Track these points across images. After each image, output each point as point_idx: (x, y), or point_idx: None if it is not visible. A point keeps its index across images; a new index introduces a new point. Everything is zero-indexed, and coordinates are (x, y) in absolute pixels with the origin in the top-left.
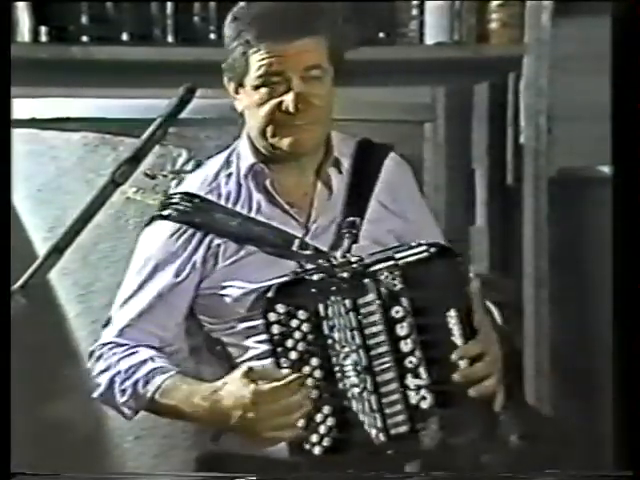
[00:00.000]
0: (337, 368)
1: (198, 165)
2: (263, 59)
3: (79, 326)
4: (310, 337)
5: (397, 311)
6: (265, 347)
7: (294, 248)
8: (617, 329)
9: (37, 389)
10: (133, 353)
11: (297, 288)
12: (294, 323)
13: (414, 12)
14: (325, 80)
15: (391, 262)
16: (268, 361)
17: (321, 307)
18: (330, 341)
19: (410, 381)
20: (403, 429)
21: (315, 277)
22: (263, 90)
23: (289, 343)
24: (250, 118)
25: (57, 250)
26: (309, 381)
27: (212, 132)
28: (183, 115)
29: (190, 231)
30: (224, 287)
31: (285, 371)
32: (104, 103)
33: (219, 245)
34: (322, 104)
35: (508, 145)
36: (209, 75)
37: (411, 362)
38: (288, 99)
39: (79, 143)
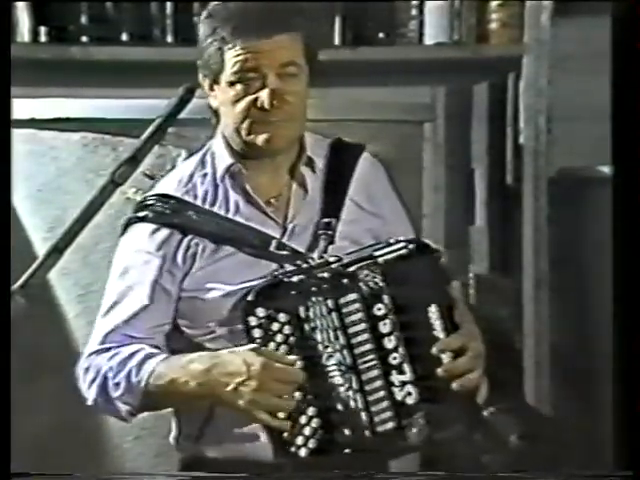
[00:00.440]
0: (321, 369)
1: None
2: (238, 55)
3: (79, 326)
4: (292, 340)
5: (379, 308)
6: None
7: (271, 249)
8: (617, 329)
9: (37, 389)
10: (120, 352)
11: (277, 291)
12: (275, 326)
13: (414, 12)
14: (300, 77)
15: (370, 260)
16: None
17: (302, 309)
18: (312, 342)
19: (395, 378)
20: (390, 426)
21: (294, 279)
22: (238, 86)
23: (271, 347)
24: (225, 115)
25: (57, 250)
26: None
27: (211, 132)
28: (182, 115)
29: (168, 232)
30: (204, 289)
31: (293, 357)
32: (104, 103)
33: (197, 244)
34: (297, 101)
35: (508, 145)
36: None
37: (395, 359)
38: (263, 95)
39: (79, 143)
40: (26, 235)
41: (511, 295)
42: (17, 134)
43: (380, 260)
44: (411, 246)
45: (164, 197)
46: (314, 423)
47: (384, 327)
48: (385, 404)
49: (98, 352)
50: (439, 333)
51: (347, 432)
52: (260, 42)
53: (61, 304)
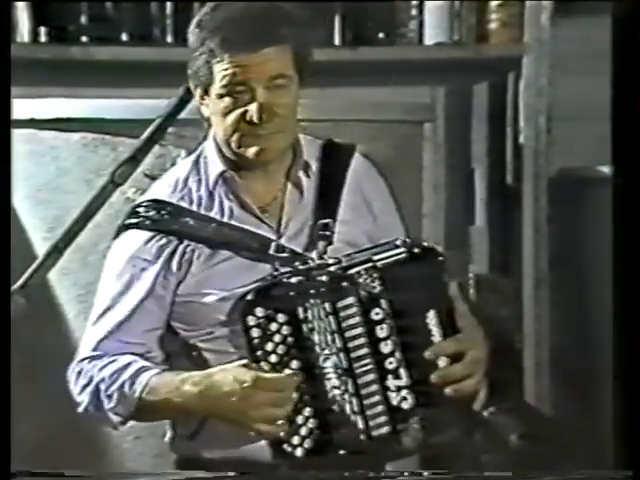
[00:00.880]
0: (318, 370)
1: None
2: (227, 69)
3: (79, 326)
4: (290, 340)
5: (377, 313)
6: (244, 351)
7: (271, 251)
8: (617, 329)
9: (37, 389)
10: (114, 361)
11: (275, 291)
12: (273, 326)
13: (413, 12)
14: (290, 88)
15: (369, 264)
16: None
17: (300, 310)
18: (310, 343)
19: (391, 382)
20: (385, 430)
21: (293, 280)
22: (227, 99)
23: (269, 346)
24: (216, 125)
25: (57, 250)
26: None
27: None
28: (182, 115)
29: (164, 239)
30: (200, 294)
31: (287, 371)
32: (104, 103)
33: (194, 250)
34: (287, 113)
35: (508, 145)
36: None
37: (391, 363)
38: (252, 109)
39: (79, 143)
40: (26, 235)
41: (511, 295)
42: (17, 134)
43: (379, 264)
44: (412, 250)
45: (160, 203)
46: (310, 423)
47: (381, 331)
48: (380, 408)
49: (91, 359)
50: (437, 338)
51: (343, 434)
52: (248, 55)
53: (61, 304)
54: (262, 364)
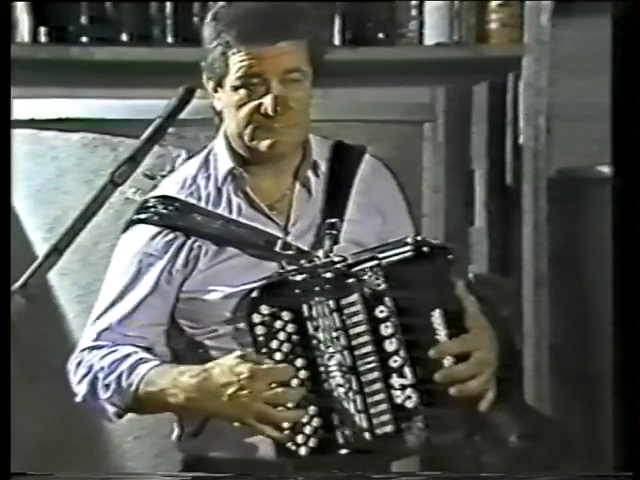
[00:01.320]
0: (322, 368)
1: None
2: (242, 60)
3: (79, 326)
4: (295, 338)
5: (381, 311)
6: (249, 349)
7: (277, 249)
8: (617, 329)
9: (37, 389)
10: (114, 351)
11: (281, 289)
12: (278, 324)
13: (413, 12)
14: (304, 83)
15: (375, 262)
16: None
17: (305, 308)
18: (315, 341)
19: (395, 380)
20: (388, 429)
21: (298, 278)
22: (242, 91)
23: (274, 344)
24: (229, 118)
25: (56, 250)
26: (294, 382)
27: (211, 132)
28: (182, 115)
29: (172, 234)
30: (206, 290)
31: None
32: (104, 103)
33: (200, 247)
34: (300, 107)
35: (507, 145)
36: None
37: (396, 361)
38: (267, 102)
39: (78, 143)
40: (26, 235)
41: (511, 295)
42: (17, 134)
43: (384, 262)
44: (418, 248)
45: (168, 199)
46: (315, 422)
47: (385, 329)
48: (384, 407)
49: (91, 349)
50: (442, 337)
51: (347, 432)
52: (264, 48)
53: (61, 304)
54: (261, 358)
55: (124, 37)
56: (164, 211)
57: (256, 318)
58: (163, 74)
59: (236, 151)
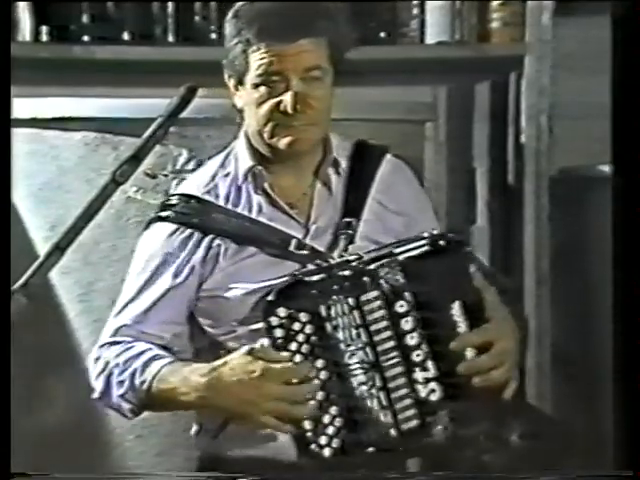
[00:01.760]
0: (343, 368)
1: (199, 165)
2: (263, 58)
3: (80, 325)
4: (313, 339)
5: (401, 305)
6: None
7: (291, 248)
8: (617, 328)
9: (38, 388)
10: (130, 348)
11: (297, 290)
12: (296, 326)
13: (415, 11)
14: (325, 81)
15: (391, 257)
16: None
17: (323, 308)
18: (334, 341)
19: (418, 375)
20: (414, 423)
21: (315, 278)
22: (262, 89)
23: (292, 346)
24: (249, 116)
25: (58, 249)
26: (315, 383)
27: (213, 132)
28: (184, 115)
29: (188, 231)
30: (225, 288)
31: (286, 354)
32: (105, 102)
33: (219, 245)
34: (321, 105)
35: (509, 144)
36: (210, 75)
37: (418, 356)
38: (286, 99)
39: (80, 142)
40: (27, 234)
41: (512, 294)
42: (18, 133)
43: (401, 257)
44: (434, 242)
45: (186, 197)
46: (337, 422)
47: (406, 324)
48: (409, 401)
49: (109, 345)
50: (462, 329)
51: (371, 431)
52: (285, 46)
53: (62, 303)
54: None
55: (126, 36)
56: (182, 209)
57: (274, 321)
58: (165, 73)
59: (256, 149)
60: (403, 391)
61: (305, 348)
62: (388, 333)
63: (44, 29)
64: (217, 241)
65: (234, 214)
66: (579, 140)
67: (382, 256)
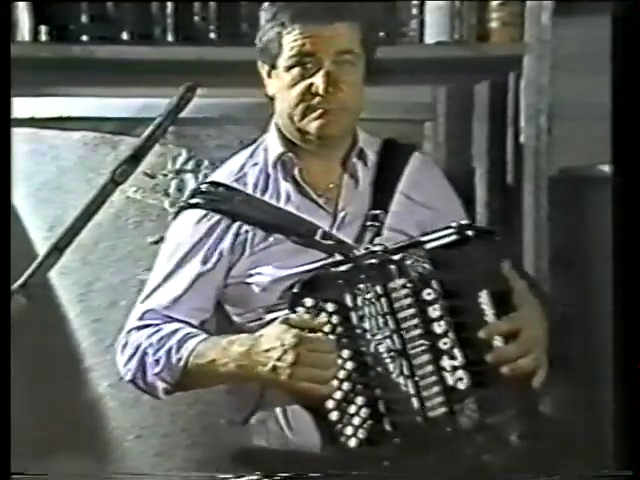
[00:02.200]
0: (369, 358)
1: (198, 165)
2: (296, 40)
3: (79, 325)
4: (340, 329)
5: (428, 293)
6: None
7: (317, 237)
8: (617, 328)
9: (37, 388)
10: (160, 329)
11: (324, 280)
12: (323, 316)
13: (414, 11)
14: (357, 66)
15: (418, 247)
16: None
17: (348, 298)
18: (360, 331)
19: (446, 362)
20: (441, 411)
21: (341, 268)
22: (295, 71)
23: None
24: (280, 101)
25: (57, 249)
26: (341, 373)
27: (212, 131)
28: (183, 114)
29: (216, 217)
30: (252, 275)
31: (323, 319)
32: (104, 102)
33: (247, 232)
34: (351, 90)
35: (508, 144)
36: (209, 74)
37: (445, 344)
38: (318, 80)
39: (79, 142)
40: (26, 234)
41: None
42: (17, 133)
43: (427, 246)
44: (461, 231)
45: (214, 184)
46: (363, 413)
47: (434, 312)
48: (436, 389)
49: (138, 328)
50: (490, 318)
51: (397, 418)
52: (318, 28)
53: (61, 303)
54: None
55: (125, 36)
56: (209, 196)
57: (300, 311)
58: (164, 73)
59: (286, 137)
60: (431, 379)
61: (331, 338)
62: (415, 321)
63: (43, 29)
64: (245, 227)
65: (261, 201)
66: (579, 140)
67: (409, 245)
